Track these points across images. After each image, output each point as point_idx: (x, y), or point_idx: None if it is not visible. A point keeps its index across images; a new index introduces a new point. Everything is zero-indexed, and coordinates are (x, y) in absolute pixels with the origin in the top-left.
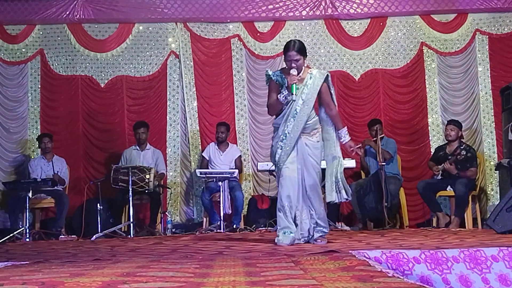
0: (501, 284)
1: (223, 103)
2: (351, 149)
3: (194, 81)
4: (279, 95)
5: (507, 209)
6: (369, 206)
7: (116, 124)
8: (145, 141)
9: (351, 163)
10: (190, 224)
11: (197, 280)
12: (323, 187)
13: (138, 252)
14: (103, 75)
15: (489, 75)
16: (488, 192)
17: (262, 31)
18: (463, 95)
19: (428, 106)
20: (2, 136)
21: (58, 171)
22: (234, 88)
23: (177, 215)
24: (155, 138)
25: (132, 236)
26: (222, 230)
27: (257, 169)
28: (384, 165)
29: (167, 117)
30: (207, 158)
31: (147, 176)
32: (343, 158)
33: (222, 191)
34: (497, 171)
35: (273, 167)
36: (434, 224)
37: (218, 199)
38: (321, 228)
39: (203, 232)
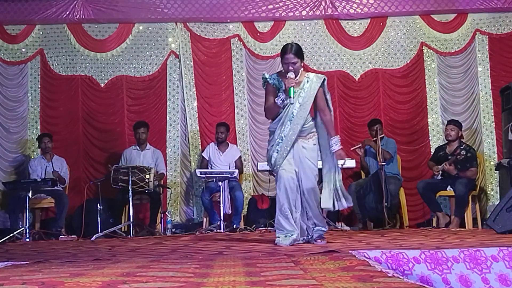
0: (501, 284)
1: (223, 103)
2: (339, 157)
3: (194, 81)
4: (276, 98)
5: (507, 209)
6: (369, 206)
7: (116, 124)
8: (145, 141)
9: (351, 163)
10: (190, 224)
11: (197, 280)
12: (320, 188)
13: (138, 252)
14: (103, 75)
15: (489, 75)
16: (488, 192)
17: (262, 31)
18: (463, 95)
19: (428, 106)
20: (2, 136)
21: (58, 171)
22: (234, 88)
23: (177, 215)
24: (155, 138)
25: (132, 236)
26: (222, 230)
27: (257, 169)
28: (384, 165)
29: (167, 117)
30: (207, 159)
31: (147, 176)
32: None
33: (222, 191)
34: (497, 171)
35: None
36: (434, 224)
37: (218, 199)
38: (320, 228)
39: (203, 232)
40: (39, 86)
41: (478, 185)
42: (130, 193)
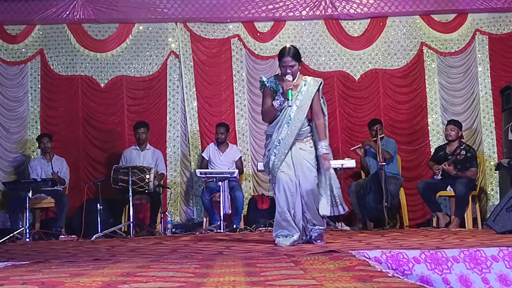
0: (501, 284)
1: (223, 103)
2: (326, 165)
3: (194, 81)
4: (274, 101)
5: (507, 209)
6: (369, 206)
7: (116, 124)
8: (145, 141)
9: (351, 163)
10: (190, 224)
11: (197, 280)
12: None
13: (138, 252)
14: (103, 75)
15: (489, 75)
16: (488, 192)
17: (262, 31)
18: (463, 95)
19: (428, 106)
20: (2, 136)
21: (58, 171)
22: (234, 88)
23: (177, 215)
24: (155, 138)
25: (132, 236)
26: (222, 230)
27: (257, 169)
28: (384, 165)
29: (167, 117)
30: (207, 159)
31: (147, 176)
32: (343, 158)
33: (222, 191)
34: (497, 171)
35: None
36: (434, 224)
37: (218, 199)
38: (318, 227)
39: (203, 232)
40: (39, 86)
41: (478, 185)
42: (130, 193)
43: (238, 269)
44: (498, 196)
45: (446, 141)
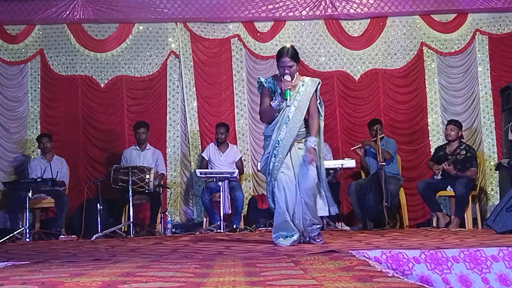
0: (501, 284)
1: (223, 103)
2: (310, 156)
3: (194, 81)
4: (272, 101)
5: (507, 209)
6: (369, 206)
7: (116, 124)
8: (145, 141)
9: (351, 163)
10: (190, 224)
11: (197, 280)
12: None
13: (138, 252)
14: (103, 75)
15: (489, 75)
16: (488, 192)
17: (262, 31)
18: (463, 95)
19: (428, 106)
20: (2, 136)
21: (58, 171)
22: (234, 88)
23: (177, 215)
24: (155, 138)
25: (132, 236)
26: (222, 230)
27: (257, 169)
28: (384, 165)
29: (167, 117)
30: (207, 159)
31: (147, 176)
32: (343, 158)
33: (222, 191)
34: (497, 171)
35: None
36: (434, 224)
37: (218, 199)
38: (316, 226)
39: (203, 232)
40: (39, 86)
41: (478, 185)
42: (130, 193)
43: (238, 269)
44: (498, 196)
45: (446, 141)
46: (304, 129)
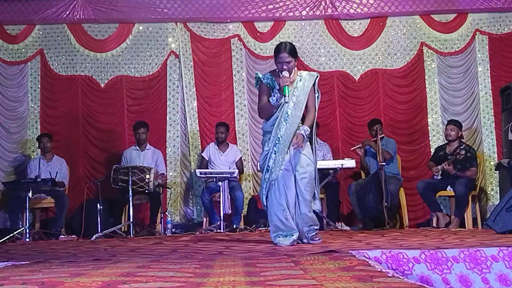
0: (501, 284)
1: (223, 103)
2: (296, 141)
3: (194, 81)
4: (270, 97)
5: (507, 209)
6: (369, 206)
7: (116, 124)
8: (145, 141)
9: (351, 163)
10: (190, 224)
11: (197, 280)
12: None
13: (138, 252)
14: (103, 75)
15: (489, 75)
16: (488, 192)
17: (262, 31)
18: (463, 95)
19: (428, 106)
20: (2, 136)
21: (57, 172)
22: (234, 88)
23: (177, 215)
24: (155, 138)
25: (132, 236)
26: (222, 230)
27: (257, 169)
28: (384, 165)
29: (167, 117)
30: (207, 159)
31: (147, 176)
32: (343, 158)
33: (222, 191)
34: (497, 171)
35: None
36: (434, 224)
37: (218, 199)
38: (313, 227)
39: (203, 232)
40: (39, 86)
41: (478, 185)
42: (130, 193)
43: (238, 269)
44: (498, 196)
45: (446, 141)
46: (302, 124)
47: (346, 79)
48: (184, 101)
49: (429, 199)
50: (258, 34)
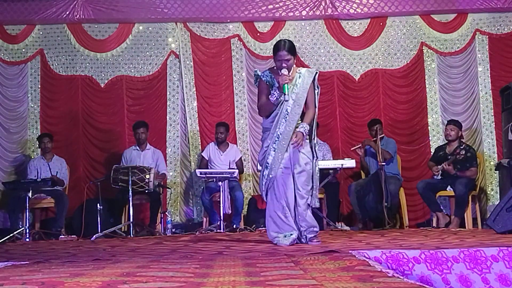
0: (501, 284)
1: (223, 103)
2: (296, 140)
3: (194, 81)
4: (270, 95)
5: (507, 209)
6: (369, 206)
7: (116, 124)
8: (144, 141)
9: (351, 163)
10: (190, 224)
11: (197, 280)
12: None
13: (138, 252)
14: (103, 75)
15: (489, 75)
16: (488, 192)
17: (262, 31)
18: (463, 95)
19: (428, 106)
20: (2, 136)
21: (57, 172)
22: (234, 88)
23: (177, 215)
24: (155, 138)
25: (132, 236)
26: (222, 230)
27: (257, 169)
28: (384, 165)
29: (167, 117)
30: (207, 158)
31: (147, 176)
32: (343, 158)
33: (222, 191)
34: (497, 171)
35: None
36: (434, 224)
37: (218, 199)
38: (313, 228)
39: (203, 232)
40: (39, 86)
41: (478, 185)
42: (130, 193)
43: (238, 269)
44: (498, 196)
45: (446, 141)
46: (301, 121)
47: (346, 79)
48: (184, 101)
49: (429, 199)
50: (258, 34)
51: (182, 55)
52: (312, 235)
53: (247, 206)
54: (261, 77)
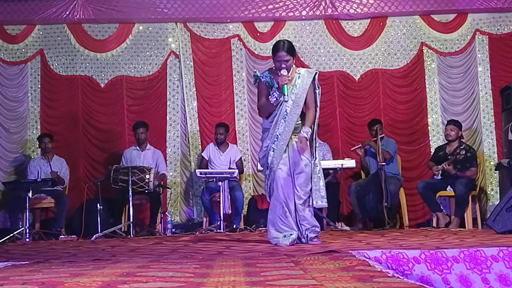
0: (501, 284)
1: (223, 103)
2: (300, 146)
3: (194, 81)
4: (270, 96)
5: (507, 209)
6: (369, 206)
7: (116, 124)
8: (144, 141)
9: (351, 163)
10: (190, 224)
11: (197, 280)
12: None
13: (138, 252)
14: (103, 75)
15: (489, 75)
16: (488, 192)
17: (262, 31)
18: (463, 95)
19: (428, 106)
20: (2, 136)
21: (57, 172)
22: (234, 88)
23: (177, 215)
24: (155, 138)
25: (132, 236)
26: (222, 230)
27: (257, 169)
28: (384, 165)
29: (167, 117)
30: (207, 158)
31: (147, 176)
32: (343, 158)
33: (222, 191)
34: (497, 171)
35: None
36: (434, 224)
37: (218, 199)
38: (314, 228)
39: (203, 232)
40: (39, 86)
41: (478, 185)
42: (130, 193)
43: (238, 269)
44: (498, 196)
45: (446, 141)
46: (300, 122)
47: (346, 79)
48: (184, 101)
49: (429, 199)
50: (258, 34)
51: (182, 55)
52: (314, 235)
53: (247, 206)
54: (260, 78)
